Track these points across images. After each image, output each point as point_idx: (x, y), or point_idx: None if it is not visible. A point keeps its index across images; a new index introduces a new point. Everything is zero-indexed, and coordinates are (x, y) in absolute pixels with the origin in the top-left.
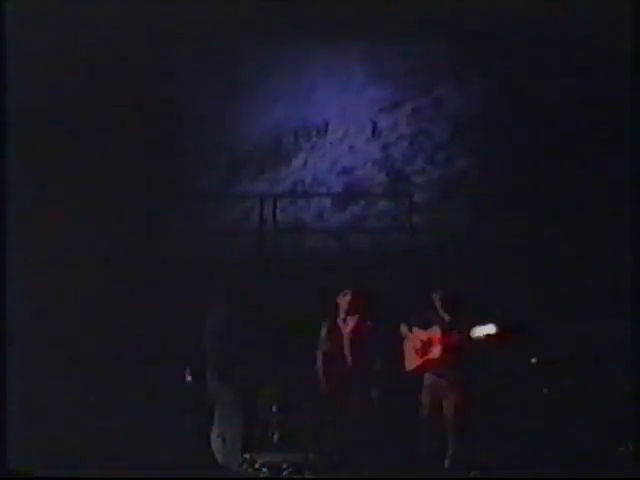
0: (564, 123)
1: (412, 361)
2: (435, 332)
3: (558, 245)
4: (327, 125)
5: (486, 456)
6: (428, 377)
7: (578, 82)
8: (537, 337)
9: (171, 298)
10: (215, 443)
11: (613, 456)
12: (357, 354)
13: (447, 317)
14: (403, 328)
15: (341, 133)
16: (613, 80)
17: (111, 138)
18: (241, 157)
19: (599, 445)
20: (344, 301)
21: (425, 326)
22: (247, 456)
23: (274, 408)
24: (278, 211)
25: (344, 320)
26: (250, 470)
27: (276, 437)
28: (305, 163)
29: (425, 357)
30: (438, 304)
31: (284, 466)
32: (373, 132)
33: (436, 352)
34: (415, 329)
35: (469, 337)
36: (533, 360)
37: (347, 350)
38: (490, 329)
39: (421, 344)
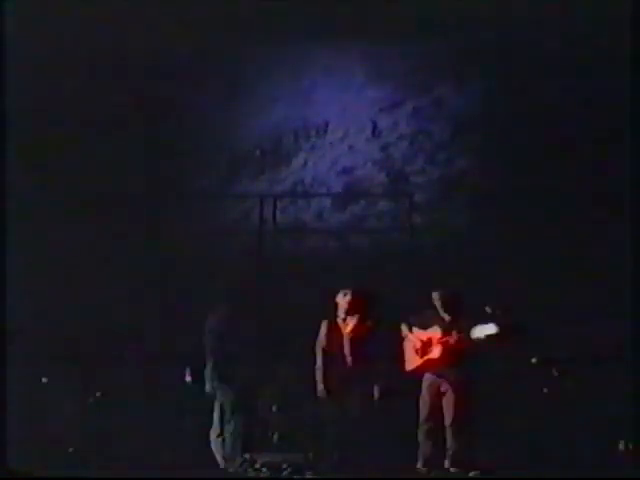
0: (564, 123)
1: (412, 361)
2: (435, 332)
3: (558, 245)
4: (327, 125)
5: (486, 456)
6: (428, 377)
7: (578, 82)
8: (537, 337)
9: (171, 298)
10: (215, 443)
11: (613, 456)
12: (357, 354)
13: (447, 317)
14: (403, 328)
15: (341, 133)
16: (613, 80)
17: (111, 138)
18: (241, 157)
19: (599, 445)
20: (344, 301)
21: (425, 326)
22: (247, 456)
23: (274, 408)
24: (278, 211)
25: (344, 320)
26: (250, 470)
27: (276, 437)
28: (305, 163)
29: (425, 357)
30: (438, 304)
31: (284, 466)
32: (373, 132)
33: (436, 352)
34: (415, 329)
35: (469, 337)
36: (533, 360)
37: (347, 350)
38: (490, 329)
39: (421, 344)
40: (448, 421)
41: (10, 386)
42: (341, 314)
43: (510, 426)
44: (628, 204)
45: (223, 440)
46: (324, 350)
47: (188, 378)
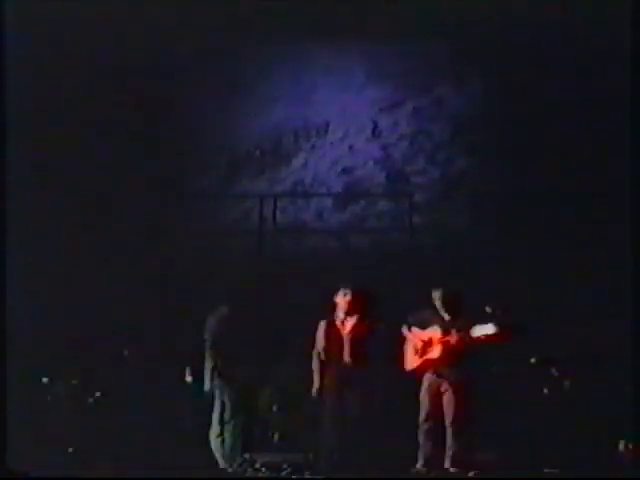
0: (564, 123)
1: (412, 361)
2: (435, 332)
3: (558, 245)
4: (327, 125)
5: (486, 456)
6: (428, 377)
7: (578, 82)
8: (537, 337)
9: (171, 298)
10: (215, 443)
11: (613, 456)
12: (356, 354)
13: (447, 317)
14: (403, 328)
15: (341, 133)
16: (613, 80)
17: (111, 138)
18: (241, 157)
19: (599, 445)
20: (343, 301)
21: (425, 326)
22: (247, 456)
23: (274, 408)
24: (278, 211)
25: (343, 320)
26: (250, 470)
27: (276, 437)
28: (305, 163)
29: (425, 357)
30: (438, 304)
31: (284, 466)
32: (373, 132)
33: (436, 352)
34: (415, 329)
35: (469, 337)
36: (533, 360)
37: (346, 350)
38: (490, 329)
39: (421, 344)
40: (448, 421)
41: (10, 386)
42: (340, 314)
43: (510, 426)
44: (628, 204)
45: (223, 440)
46: (322, 350)
47: (188, 378)
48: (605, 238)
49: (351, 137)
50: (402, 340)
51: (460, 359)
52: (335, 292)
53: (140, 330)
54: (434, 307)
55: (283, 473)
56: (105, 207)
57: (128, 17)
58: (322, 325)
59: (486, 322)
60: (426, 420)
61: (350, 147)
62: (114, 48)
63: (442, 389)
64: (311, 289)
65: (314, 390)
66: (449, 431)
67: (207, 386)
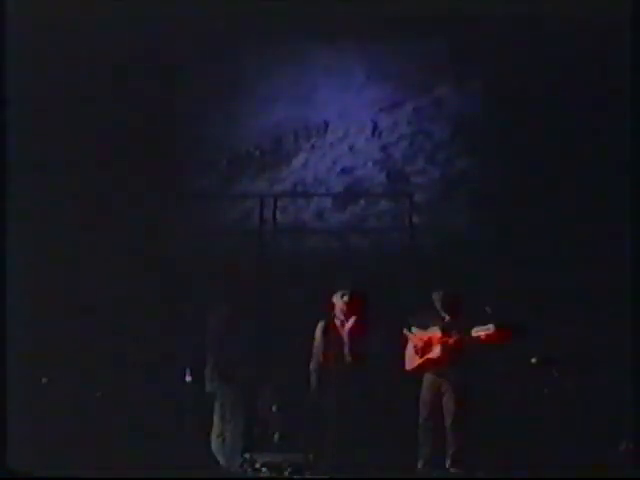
0: (564, 123)
1: (412, 361)
2: (435, 332)
3: (558, 245)
4: (327, 125)
5: (486, 456)
6: (428, 377)
7: (578, 82)
8: (537, 337)
9: (171, 298)
10: (215, 443)
11: (613, 456)
12: (355, 355)
13: (447, 317)
14: (403, 328)
15: (341, 133)
16: (613, 80)
17: (111, 138)
18: (241, 157)
19: (599, 445)
20: (342, 301)
21: (425, 326)
22: (247, 456)
23: (274, 408)
24: (278, 211)
25: (342, 321)
26: (250, 470)
27: (276, 437)
28: (305, 163)
29: (425, 357)
30: (438, 304)
31: (284, 466)
32: (373, 132)
33: (436, 352)
34: (415, 329)
35: (469, 337)
36: (533, 360)
37: (346, 351)
38: (490, 329)
39: (421, 344)
40: (448, 421)
41: (10, 386)
42: (339, 315)
43: (510, 426)
44: (628, 204)
45: (223, 440)
46: (321, 351)
47: (188, 378)
48: (605, 238)
49: (351, 137)
50: (402, 340)
51: (460, 359)
52: (334, 293)
53: (140, 330)
54: (434, 307)
55: (283, 473)
56: (105, 207)
57: (128, 17)
58: (321, 325)
59: (486, 322)
60: (426, 420)
61: (350, 147)
62: (114, 48)
63: (442, 389)
64: (311, 289)
65: (313, 390)
66: (449, 431)
67: (207, 386)
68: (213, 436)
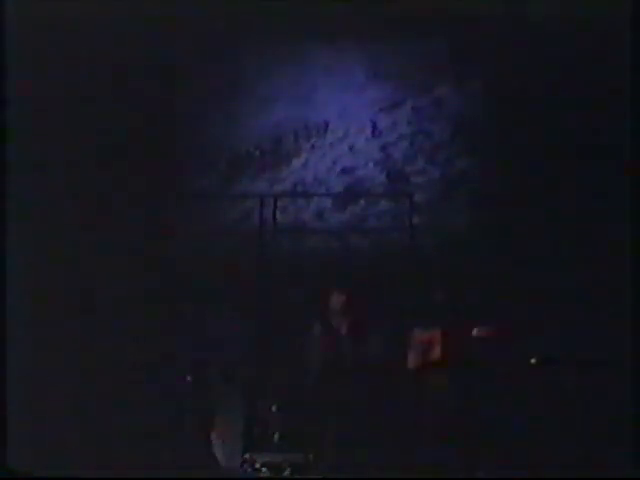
0: (564, 123)
1: (412, 361)
2: (435, 332)
3: (558, 245)
4: (327, 125)
5: (486, 456)
6: (428, 377)
7: (578, 82)
8: (537, 337)
9: (171, 298)
10: (216, 443)
11: (613, 456)
12: (354, 355)
13: (447, 317)
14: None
15: (341, 133)
16: (613, 80)
17: (111, 138)
18: (241, 157)
19: (599, 445)
20: (339, 301)
21: (425, 326)
22: (247, 456)
23: (274, 408)
24: (278, 211)
25: (340, 321)
26: (250, 470)
27: (276, 437)
28: (305, 163)
29: (425, 357)
30: (437, 304)
31: (284, 466)
32: (373, 132)
33: (436, 352)
34: (415, 329)
35: (469, 337)
36: (533, 360)
37: (345, 351)
38: (489, 329)
39: (421, 344)
40: (448, 421)
41: (10, 386)
42: (337, 315)
43: (510, 426)
44: (628, 204)
45: (223, 440)
46: (320, 351)
47: (188, 378)
48: (606, 238)
49: (351, 137)
50: (402, 340)
51: (460, 359)
52: (333, 293)
53: (140, 330)
54: (434, 307)
55: (283, 473)
56: (105, 207)
57: (128, 17)
58: (320, 326)
59: (486, 322)
60: (426, 420)
61: (350, 147)
62: (114, 48)
63: (442, 389)
64: (311, 289)
65: (313, 391)
66: (449, 431)
67: (208, 387)
68: (213, 436)
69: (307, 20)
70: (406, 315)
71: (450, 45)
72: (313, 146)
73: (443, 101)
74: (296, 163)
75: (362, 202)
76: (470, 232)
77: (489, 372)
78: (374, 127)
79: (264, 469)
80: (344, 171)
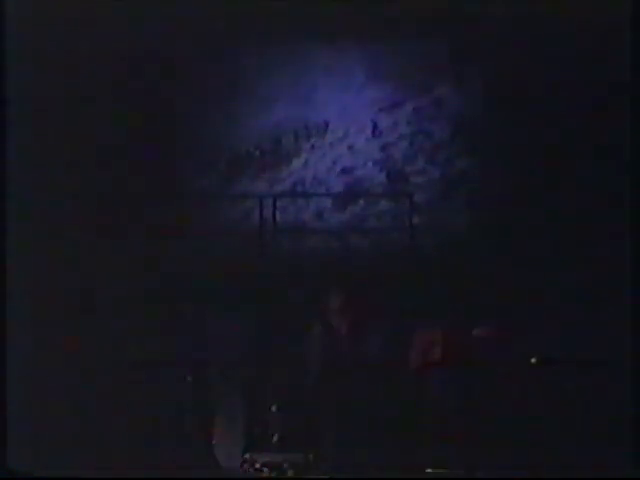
0: (564, 123)
1: (413, 361)
2: (435, 332)
3: (558, 245)
4: (327, 125)
5: (486, 456)
6: (428, 377)
7: (578, 82)
8: (537, 337)
9: (171, 298)
10: (216, 443)
11: (613, 456)
12: (354, 355)
13: (447, 317)
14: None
15: (341, 133)
16: (613, 80)
17: (111, 138)
18: (241, 157)
19: (599, 445)
20: (339, 301)
21: (425, 326)
22: (247, 456)
23: (274, 408)
24: (278, 211)
25: (340, 321)
26: (250, 470)
27: (276, 437)
28: (305, 163)
29: (425, 357)
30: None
31: (284, 466)
32: (373, 132)
33: (436, 352)
34: (415, 329)
35: (469, 337)
36: (533, 360)
37: (345, 351)
38: (489, 329)
39: (421, 344)
40: (448, 421)
41: (10, 386)
42: (336, 315)
43: (510, 426)
44: (628, 204)
45: (223, 440)
46: (320, 351)
47: (188, 378)
48: (606, 238)
49: (351, 137)
50: (402, 340)
51: (460, 359)
52: (332, 293)
53: (140, 330)
54: (434, 307)
55: (284, 473)
56: (105, 207)
57: (128, 17)
58: (320, 326)
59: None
60: (426, 419)
61: (350, 147)
62: (114, 48)
63: (442, 389)
64: (311, 289)
65: (313, 391)
66: (449, 431)
67: (208, 386)
68: (214, 436)
69: (307, 20)
70: (406, 315)
71: (450, 45)
72: (313, 146)
73: (443, 101)
74: (296, 163)
75: (362, 202)
76: (470, 232)
77: (489, 372)
78: (374, 127)
79: (264, 469)
80: (344, 171)
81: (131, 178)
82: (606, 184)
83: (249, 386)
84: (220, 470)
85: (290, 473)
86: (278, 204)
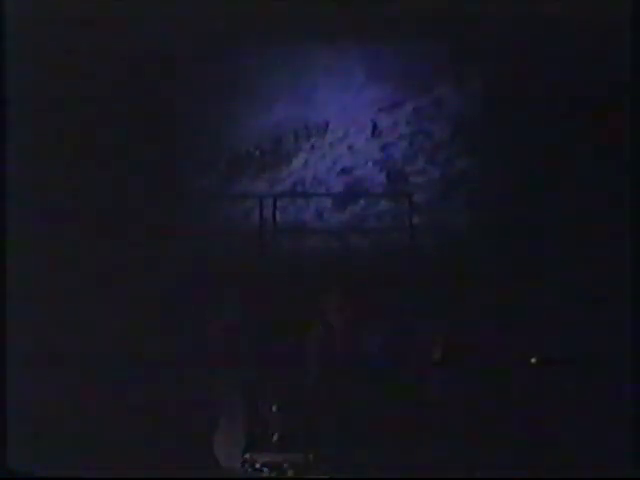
0: (564, 123)
1: (412, 361)
2: (435, 332)
3: (558, 245)
4: (327, 125)
5: (486, 456)
6: (428, 377)
7: (579, 82)
8: (537, 337)
9: (171, 298)
10: (216, 443)
11: (613, 456)
12: (354, 354)
13: (447, 317)
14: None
15: (341, 133)
16: (614, 80)
17: (111, 138)
18: (241, 157)
19: (599, 445)
20: (339, 301)
21: (425, 326)
22: (247, 456)
23: (274, 408)
24: (278, 211)
25: (340, 321)
26: (250, 470)
27: (276, 437)
28: (305, 163)
29: (425, 357)
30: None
31: (284, 466)
32: (373, 132)
33: (436, 352)
34: (414, 329)
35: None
36: (533, 360)
37: (345, 351)
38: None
39: (421, 344)
40: (448, 421)
41: (10, 386)
42: (335, 315)
43: (510, 426)
44: (628, 204)
45: (224, 440)
46: (319, 351)
47: (189, 379)
48: (606, 238)
49: (351, 137)
50: (402, 340)
51: (460, 359)
52: (332, 293)
53: (140, 330)
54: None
55: (284, 473)
56: (104, 207)
57: (128, 17)
58: (320, 325)
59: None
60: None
61: (350, 147)
62: (114, 48)
63: (442, 389)
64: (311, 289)
65: (312, 391)
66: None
67: (208, 387)
68: (214, 436)
69: (307, 20)
70: (406, 315)
71: (450, 45)
72: (313, 146)
73: (443, 101)
74: (296, 163)
75: (362, 202)
76: (470, 232)
77: (489, 372)
78: (374, 127)
79: (264, 469)
80: (344, 171)
81: (131, 178)
82: (606, 184)
83: (249, 386)
84: (220, 470)
85: (290, 473)
86: (278, 204)
